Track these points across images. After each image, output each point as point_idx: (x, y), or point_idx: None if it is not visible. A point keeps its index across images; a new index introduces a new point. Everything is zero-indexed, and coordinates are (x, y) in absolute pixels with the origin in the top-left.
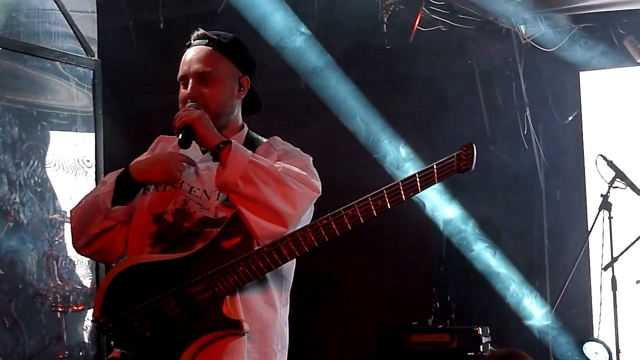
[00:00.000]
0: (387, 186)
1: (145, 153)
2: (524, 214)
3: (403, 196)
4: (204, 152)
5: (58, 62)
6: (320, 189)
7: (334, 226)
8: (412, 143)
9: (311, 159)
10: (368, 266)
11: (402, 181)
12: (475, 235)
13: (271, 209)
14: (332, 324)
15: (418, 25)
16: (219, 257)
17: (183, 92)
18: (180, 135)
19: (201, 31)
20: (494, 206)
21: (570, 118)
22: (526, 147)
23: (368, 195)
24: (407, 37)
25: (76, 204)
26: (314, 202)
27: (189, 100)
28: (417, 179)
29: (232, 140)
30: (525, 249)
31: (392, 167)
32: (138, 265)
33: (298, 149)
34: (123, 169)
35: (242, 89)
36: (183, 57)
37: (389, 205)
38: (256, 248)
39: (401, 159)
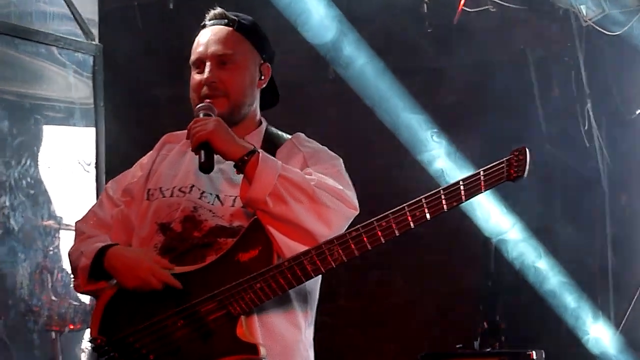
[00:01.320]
0: (426, 195)
1: (149, 154)
2: (585, 221)
3: (445, 206)
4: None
5: (54, 47)
6: (358, 206)
7: (365, 239)
8: (455, 140)
9: (342, 161)
10: (406, 282)
11: (443, 189)
12: (528, 247)
13: (303, 229)
14: (365, 348)
15: (463, 5)
16: (233, 271)
17: (197, 77)
18: (200, 156)
19: (219, 10)
20: (550, 213)
21: (638, 112)
22: (587, 145)
23: (404, 205)
24: (450, 18)
25: (72, 240)
26: (351, 220)
27: (205, 85)
28: (462, 188)
29: (259, 150)
30: (585, 261)
31: (432, 167)
32: None
33: (325, 147)
34: (100, 247)
35: (262, 78)
36: (197, 39)
37: (428, 217)
38: (276, 262)
39: (443, 158)
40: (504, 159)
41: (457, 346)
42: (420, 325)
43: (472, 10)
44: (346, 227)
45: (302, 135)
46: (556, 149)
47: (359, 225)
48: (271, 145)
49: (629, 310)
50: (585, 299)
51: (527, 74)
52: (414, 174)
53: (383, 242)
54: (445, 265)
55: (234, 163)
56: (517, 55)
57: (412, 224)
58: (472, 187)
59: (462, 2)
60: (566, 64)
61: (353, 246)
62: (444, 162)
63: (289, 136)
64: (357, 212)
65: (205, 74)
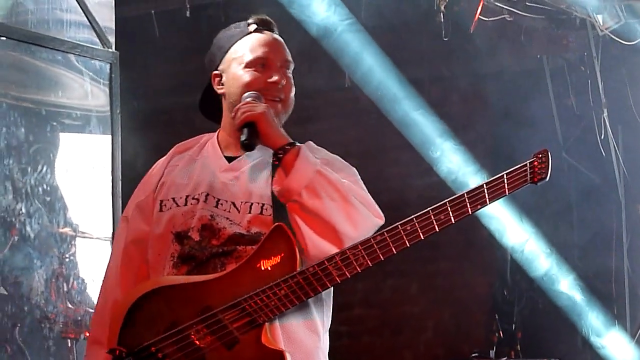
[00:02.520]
0: (450, 198)
1: (159, 166)
2: (601, 231)
3: (469, 209)
4: (229, 160)
5: (70, 54)
6: (383, 215)
7: (390, 243)
8: (472, 148)
9: (357, 171)
10: (421, 289)
11: (467, 192)
12: (544, 255)
13: (331, 227)
14: (380, 356)
15: (480, 14)
16: (256, 278)
17: (255, 74)
18: (243, 136)
19: (268, 18)
20: (566, 222)
21: None
22: (603, 154)
23: (429, 209)
24: (467, 27)
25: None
26: (376, 229)
27: (273, 84)
28: (485, 190)
29: (301, 144)
30: (601, 271)
31: (448, 176)
32: (161, 288)
33: (338, 157)
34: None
35: None
36: (253, 39)
37: (452, 220)
38: (299, 269)
39: (459, 167)
40: (527, 161)
41: (473, 354)
42: (435, 333)
43: (489, 19)
44: (371, 234)
45: (312, 144)
46: (572, 158)
47: (383, 230)
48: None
49: None
50: (601, 309)
51: (543, 83)
52: (428, 182)
53: (408, 245)
54: (461, 274)
55: (272, 151)
56: (533, 64)
57: (437, 228)
58: (496, 189)
59: (479, 11)
60: (582, 73)
61: (378, 250)
62: (459, 171)
63: (300, 145)
64: (383, 222)
65: (276, 75)
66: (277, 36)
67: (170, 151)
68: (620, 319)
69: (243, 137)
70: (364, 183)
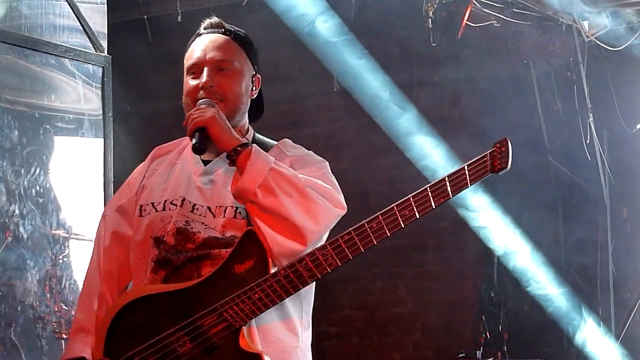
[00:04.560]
0: (413, 193)
1: (139, 169)
2: (586, 234)
3: (433, 203)
4: (205, 164)
5: (64, 58)
6: (345, 205)
7: (357, 242)
8: (460, 152)
9: (328, 164)
10: (410, 291)
11: (430, 186)
12: (531, 258)
13: (291, 224)
14: (369, 357)
15: (467, 20)
16: (231, 283)
17: (192, 82)
18: (194, 139)
19: (216, 19)
20: (552, 225)
21: (639, 126)
22: (589, 158)
23: (393, 205)
24: (455, 33)
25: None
26: (338, 220)
27: (202, 89)
28: (448, 183)
29: (253, 144)
30: (587, 272)
31: (436, 179)
32: (142, 298)
33: (311, 152)
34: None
35: (254, 88)
36: (192, 46)
37: (417, 215)
38: (272, 271)
39: (447, 170)
40: (487, 152)
41: (460, 355)
42: (423, 334)
43: (476, 25)
44: (333, 225)
45: (288, 141)
46: (558, 162)
47: (350, 229)
48: None
49: (629, 321)
50: (586, 311)
51: (530, 88)
52: (416, 186)
53: (375, 243)
54: (449, 276)
55: (226, 154)
56: (520, 70)
57: (402, 224)
58: (459, 181)
59: (467, 17)
60: (569, 78)
61: (346, 250)
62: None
63: (276, 142)
64: (345, 212)
65: (204, 79)
66: (215, 36)
67: (150, 154)
68: (605, 320)
69: (194, 141)
70: (354, 186)
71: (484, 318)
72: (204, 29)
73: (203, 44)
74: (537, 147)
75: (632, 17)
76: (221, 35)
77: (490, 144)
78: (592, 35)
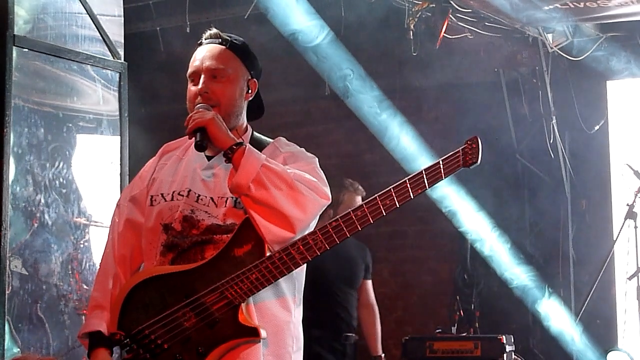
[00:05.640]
0: (394, 185)
1: (150, 163)
2: (550, 224)
3: (411, 194)
4: (209, 159)
5: (85, 65)
6: (330, 196)
7: (344, 228)
8: (438, 151)
9: (317, 160)
10: (392, 274)
11: (409, 179)
12: (500, 244)
13: (281, 214)
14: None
15: (445, 32)
16: (231, 265)
17: (192, 89)
18: (197, 137)
19: (214, 30)
20: (520, 216)
21: (597, 127)
22: (552, 156)
23: (376, 195)
24: (433, 44)
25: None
26: (323, 209)
27: (199, 95)
28: (424, 176)
29: (246, 144)
30: (550, 257)
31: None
32: (152, 278)
33: (303, 149)
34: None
35: (249, 91)
36: (194, 55)
37: (397, 204)
38: (268, 254)
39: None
40: (459, 148)
41: (437, 330)
42: (404, 313)
43: (453, 36)
44: (319, 213)
45: (283, 139)
46: (525, 159)
47: (337, 217)
48: (256, 148)
49: (587, 300)
50: (549, 291)
51: (500, 94)
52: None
53: (360, 229)
54: (427, 261)
55: (223, 152)
56: (491, 77)
57: (384, 212)
58: (434, 174)
59: (444, 29)
60: (534, 84)
61: (334, 235)
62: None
63: (272, 140)
64: (330, 202)
65: (200, 85)
66: (212, 46)
67: (160, 150)
68: (566, 300)
69: (197, 139)
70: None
71: (458, 298)
72: (205, 39)
73: (202, 54)
74: (506, 146)
75: (591, 31)
76: (217, 45)
77: (463, 143)
78: (555, 46)
